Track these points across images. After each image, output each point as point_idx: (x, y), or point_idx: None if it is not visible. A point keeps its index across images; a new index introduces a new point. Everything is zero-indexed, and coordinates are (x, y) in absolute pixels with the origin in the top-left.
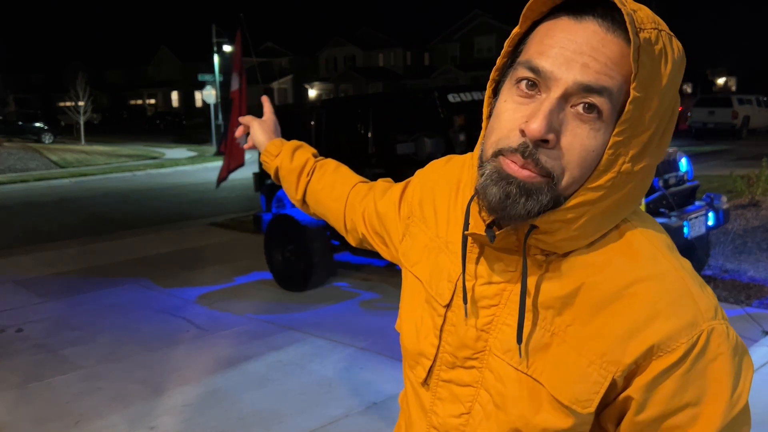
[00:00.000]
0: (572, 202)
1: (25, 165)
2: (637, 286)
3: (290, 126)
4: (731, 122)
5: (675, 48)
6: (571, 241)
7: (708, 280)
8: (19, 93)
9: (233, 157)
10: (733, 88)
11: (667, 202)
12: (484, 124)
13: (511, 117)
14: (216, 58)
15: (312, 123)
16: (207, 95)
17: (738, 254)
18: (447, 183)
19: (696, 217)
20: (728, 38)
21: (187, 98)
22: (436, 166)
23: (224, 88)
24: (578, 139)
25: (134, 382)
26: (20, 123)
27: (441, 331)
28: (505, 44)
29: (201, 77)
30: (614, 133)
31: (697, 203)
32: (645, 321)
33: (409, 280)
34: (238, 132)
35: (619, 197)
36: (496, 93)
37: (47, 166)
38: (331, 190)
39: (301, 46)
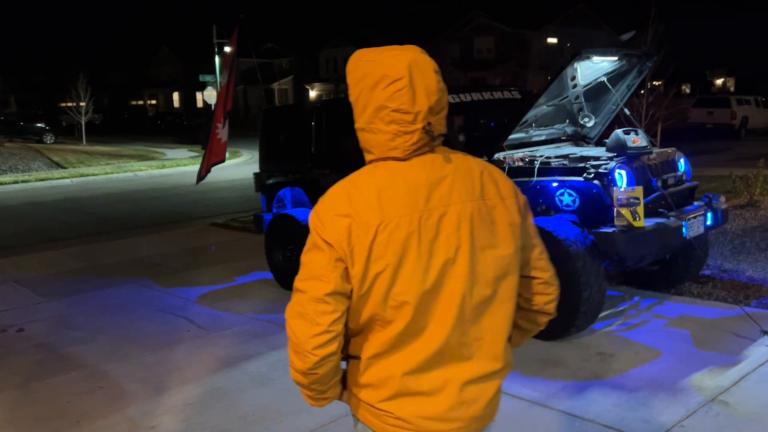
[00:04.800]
0: None
1: (26, 165)
2: None
3: (290, 126)
4: (730, 122)
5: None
6: None
7: (707, 280)
8: (21, 93)
9: (214, 153)
10: (732, 89)
11: (666, 202)
12: None
13: None
14: (217, 59)
15: (312, 123)
16: (208, 95)
17: (736, 254)
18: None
19: (694, 217)
20: (727, 39)
21: (188, 98)
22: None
23: None
24: None
25: (135, 381)
26: (22, 123)
27: None
28: None
29: (202, 77)
30: None
31: (695, 203)
32: None
33: None
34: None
35: None
36: None
37: (49, 167)
38: None
39: (302, 46)
